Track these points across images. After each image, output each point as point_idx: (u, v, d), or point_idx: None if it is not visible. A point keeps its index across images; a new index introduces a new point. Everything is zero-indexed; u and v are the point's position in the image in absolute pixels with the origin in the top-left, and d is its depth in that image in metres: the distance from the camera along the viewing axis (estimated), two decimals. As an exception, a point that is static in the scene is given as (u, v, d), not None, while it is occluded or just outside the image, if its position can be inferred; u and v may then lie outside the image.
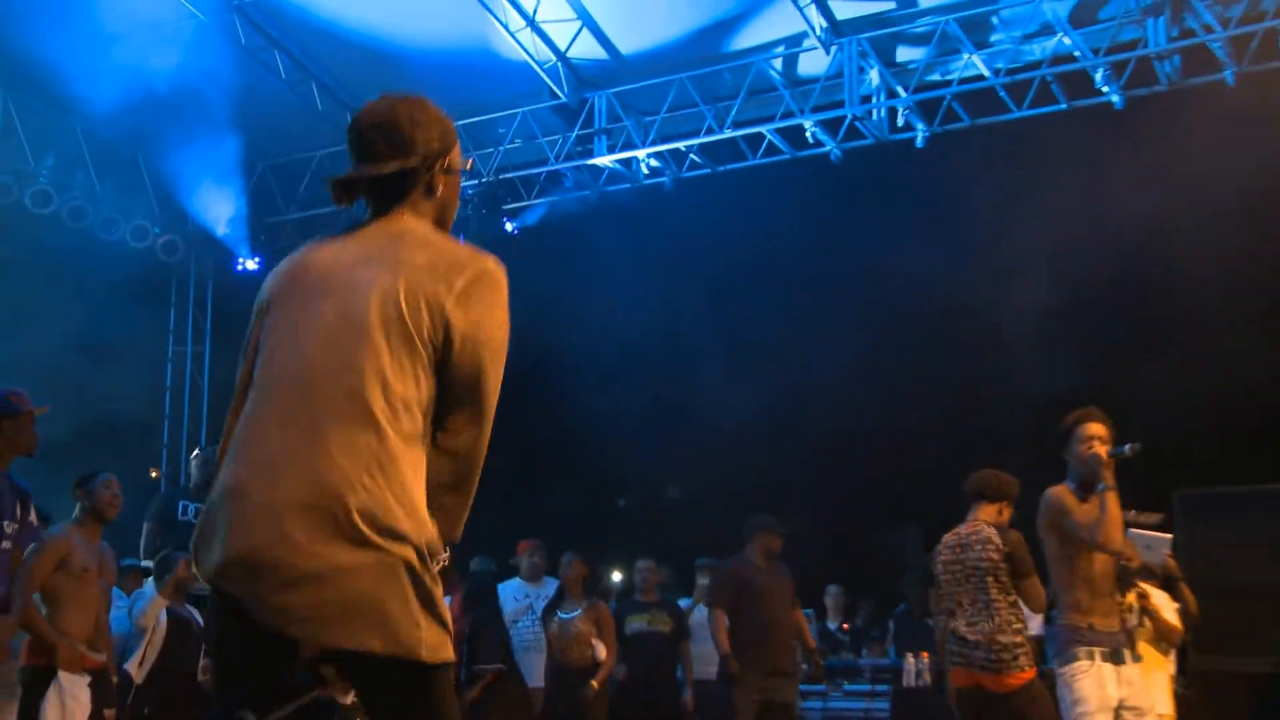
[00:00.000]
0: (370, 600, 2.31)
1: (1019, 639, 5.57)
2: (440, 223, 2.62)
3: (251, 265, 12.36)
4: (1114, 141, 9.65)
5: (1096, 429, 5.21)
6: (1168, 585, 7.44)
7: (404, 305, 2.41)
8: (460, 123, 10.77)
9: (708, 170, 11.09)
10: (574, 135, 11.05)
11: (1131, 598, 5.94)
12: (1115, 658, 5.19)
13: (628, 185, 11.35)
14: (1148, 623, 5.98)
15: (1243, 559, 8.24)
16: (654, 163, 11.13)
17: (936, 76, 10.10)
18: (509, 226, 11.77)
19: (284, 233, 12.39)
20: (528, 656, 8.07)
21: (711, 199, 11.21)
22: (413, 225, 2.55)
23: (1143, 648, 5.84)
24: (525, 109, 11.12)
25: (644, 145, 10.85)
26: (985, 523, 5.85)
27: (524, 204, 11.76)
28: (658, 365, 12.20)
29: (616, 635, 8.00)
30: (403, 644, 2.33)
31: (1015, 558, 5.61)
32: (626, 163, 11.13)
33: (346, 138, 2.60)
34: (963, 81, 9.79)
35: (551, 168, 11.28)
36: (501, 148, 11.38)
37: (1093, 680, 5.11)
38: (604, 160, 11.07)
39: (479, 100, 11.09)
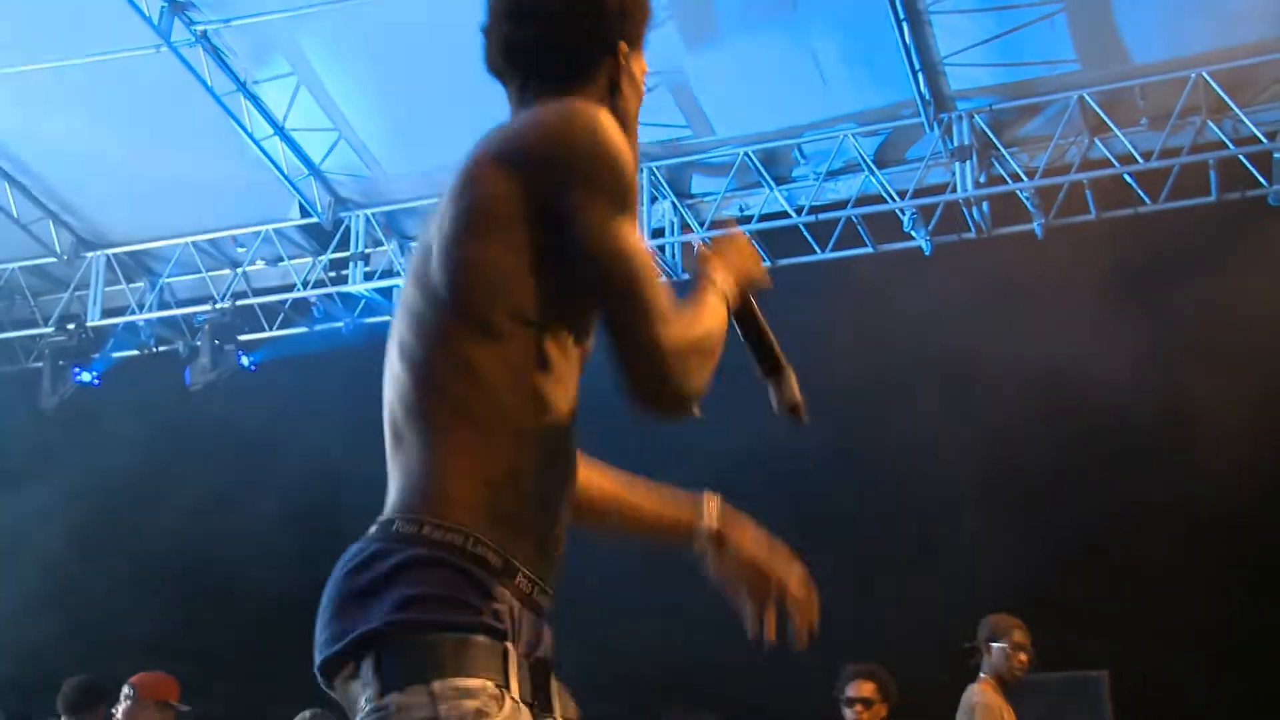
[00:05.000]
0: None
1: None
2: None
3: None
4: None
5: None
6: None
7: None
8: (191, 240, 10.46)
9: (480, 303, 10.27)
10: (327, 259, 10.46)
11: None
12: None
13: (388, 318, 10.46)
14: None
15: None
16: (419, 292, 10.29)
17: (735, 212, 9.86)
18: (245, 361, 10.89)
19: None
20: None
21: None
22: None
23: None
24: (270, 226, 10.39)
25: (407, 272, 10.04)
26: None
27: (264, 335, 10.97)
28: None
29: None
30: None
31: None
32: (386, 292, 10.48)
33: None
34: (764, 218, 9.57)
35: (299, 295, 10.59)
36: (240, 270, 10.67)
37: None
38: (360, 288, 10.49)
39: (214, 212, 10.32)
